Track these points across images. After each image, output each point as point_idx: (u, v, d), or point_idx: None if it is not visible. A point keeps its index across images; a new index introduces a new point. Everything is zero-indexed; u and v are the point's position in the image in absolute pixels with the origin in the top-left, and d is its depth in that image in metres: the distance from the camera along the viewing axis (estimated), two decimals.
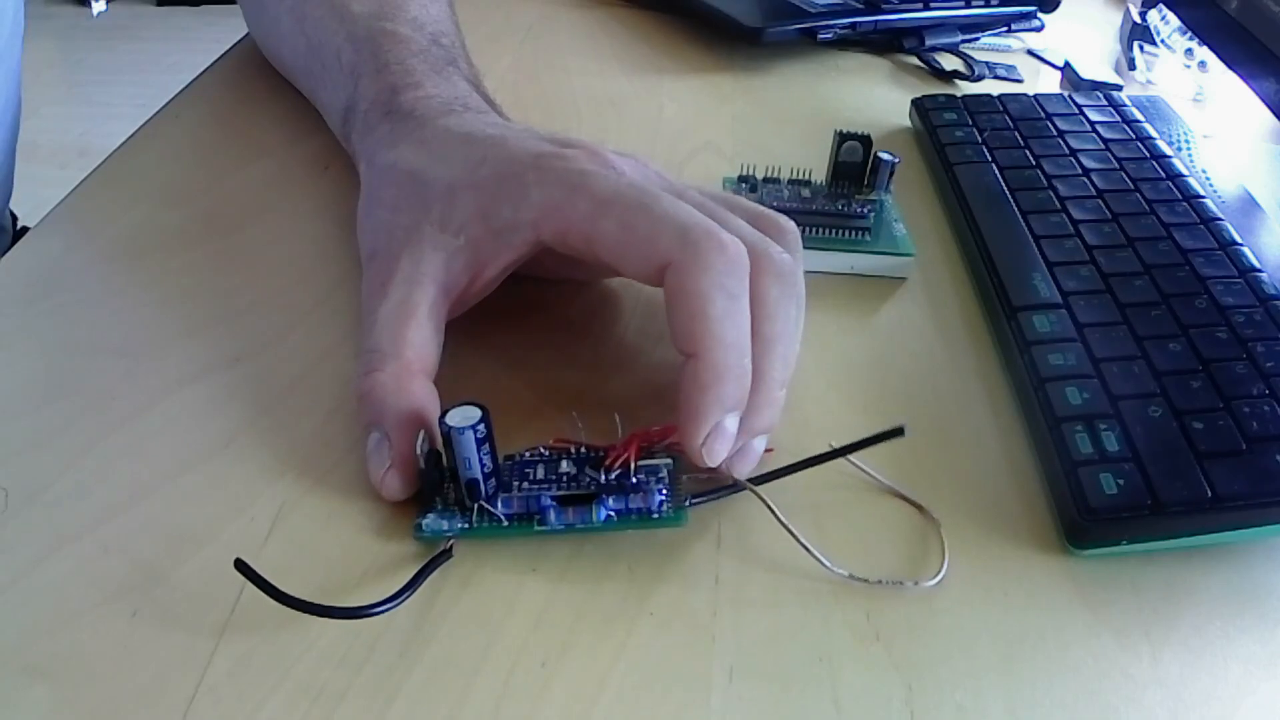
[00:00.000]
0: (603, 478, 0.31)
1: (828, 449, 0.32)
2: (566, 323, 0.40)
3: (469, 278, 0.34)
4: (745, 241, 0.32)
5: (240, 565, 0.28)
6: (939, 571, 0.31)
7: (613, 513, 0.31)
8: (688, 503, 0.31)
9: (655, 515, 0.31)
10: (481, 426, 0.29)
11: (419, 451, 0.30)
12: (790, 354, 0.33)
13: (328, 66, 0.45)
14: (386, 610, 0.28)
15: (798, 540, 0.30)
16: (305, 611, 0.27)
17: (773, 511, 0.31)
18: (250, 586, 0.28)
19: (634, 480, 0.31)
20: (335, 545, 0.31)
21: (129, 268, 0.41)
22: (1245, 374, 0.36)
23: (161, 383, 0.35)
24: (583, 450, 0.32)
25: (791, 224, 0.35)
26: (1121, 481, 0.32)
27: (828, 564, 0.30)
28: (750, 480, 0.32)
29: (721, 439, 0.30)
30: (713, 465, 0.31)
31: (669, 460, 0.32)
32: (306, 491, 0.32)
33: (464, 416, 0.29)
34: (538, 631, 0.29)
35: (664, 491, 0.31)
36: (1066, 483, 0.33)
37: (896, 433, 0.31)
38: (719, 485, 0.32)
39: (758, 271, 0.32)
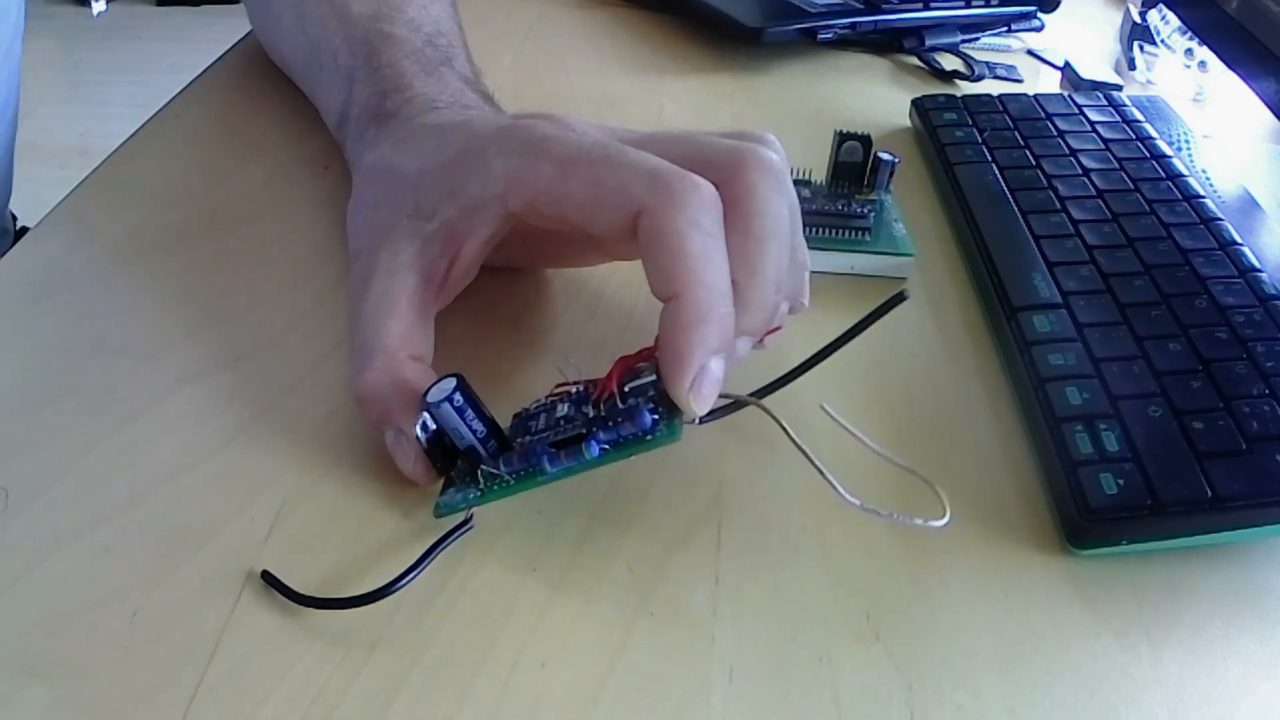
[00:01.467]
0: (592, 411, 0.30)
1: (841, 333, 0.31)
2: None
3: (447, 260, 0.34)
4: (727, 146, 0.31)
5: (267, 577, 0.28)
6: (944, 515, 0.29)
7: (605, 445, 0.30)
8: (682, 419, 0.30)
9: (649, 437, 0.29)
10: (457, 395, 0.29)
11: (420, 436, 0.30)
12: (784, 254, 0.31)
13: (325, 67, 0.45)
14: (405, 584, 0.28)
15: (811, 460, 0.29)
16: (332, 608, 0.28)
17: (783, 428, 0.30)
18: (250, 586, 0.28)
19: (622, 406, 0.30)
20: (336, 544, 0.31)
21: (129, 268, 0.41)
22: (1245, 374, 0.36)
23: (161, 383, 0.35)
24: (581, 389, 0.31)
25: (771, 136, 0.34)
26: (1121, 481, 0.32)
27: (841, 490, 0.29)
28: (752, 394, 0.30)
29: (708, 383, 0.29)
30: (700, 413, 0.29)
31: (655, 378, 0.30)
32: (307, 491, 0.32)
33: (439, 390, 0.29)
34: (538, 631, 0.29)
35: (654, 409, 0.30)
36: (1066, 483, 0.33)
37: (899, 299, 0.29)
38: (721, 401, 0.30)
39: (742, 169, 0.31)
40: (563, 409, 0.31)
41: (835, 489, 0.29)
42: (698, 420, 0.30)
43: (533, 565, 0.30)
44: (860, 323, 0.30)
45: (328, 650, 0.28)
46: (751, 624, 0.29)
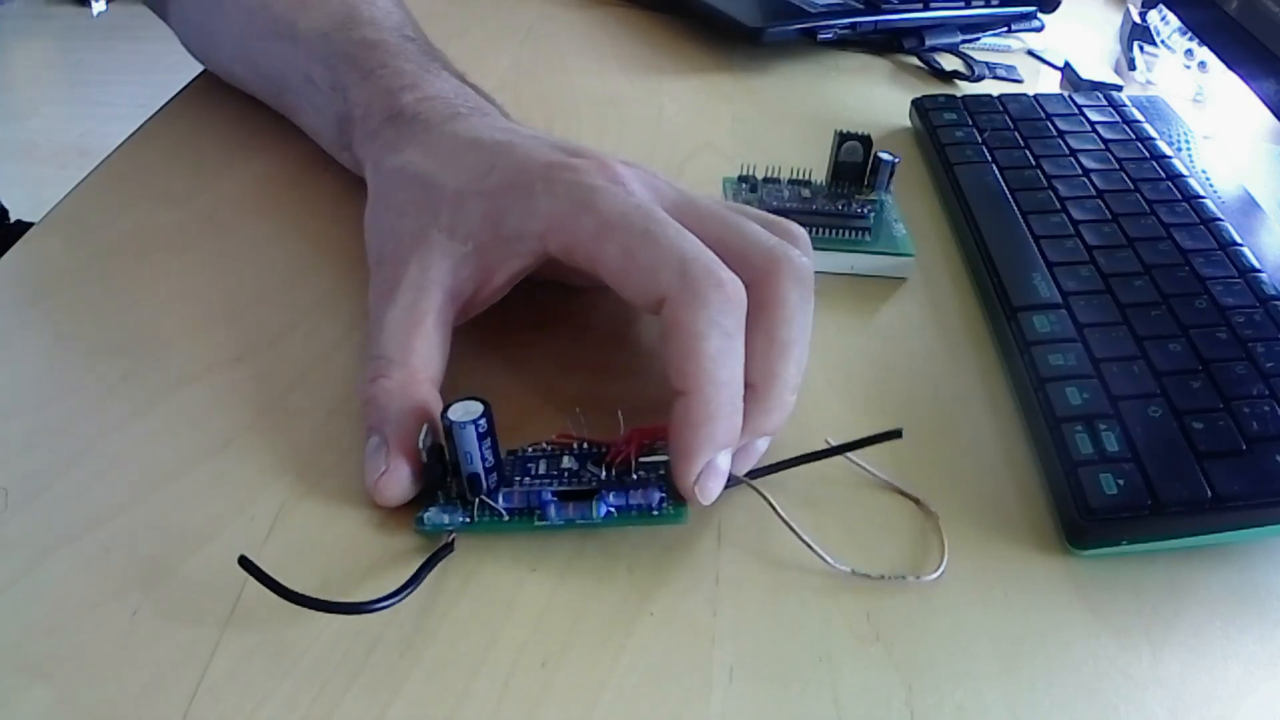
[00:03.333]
0: (603, 474, 0.31)
1: (826, 445, 0.32)
2: (572, 325, 0.40)
3: (476, 284, 0.34)
4: (764, 246, 0.32)
5: (244, 562, 0.28)
6: (939, 566, 0.31)
7: (613, 509, 0.31)
8: (688, 502, 0.31)
9: (655, 512, 0.31)
10: (483, 421, 0.29)
11: (421, 445, 0.30)
12: (804, 359, 0.33)
13: (299, 91, 0.44)
14: (390, 605, 0.28)
15: (799, 536, 0.31)
16: (309, 607, 0.27)
17: (773, 508, 0.31)
18: (250, 586, 0.28)
19: (635, 476, 0.31)
20: (336, 544, 0.31)
21: (129, 267, 0.41)
22: (1245, 374, 0.36)
23: (161, 383, 0.35)
24: (585, 446, 0.32)
25: (802, 230, 0.35)
26: (1121, 481, 0.32)
27: (830, 560, 0.30)
28: (748, 475, 0.32)
29: (714, 477, 0.30)
30: (705, 504, 0.30)
31: (668, 458, 0.32)
32: (307, 491, 0.32)
33: (466, 411, 0.29)
34: (538, 631, 0.29)
35: (664, 488, 0.31)
36: (1066, 483, 0.33)
37: (894, 434, 0.31)
38: None
39: (778, 275, 0.32)
40: (567, 461, 0.32)
41: (824, 560, 0.31)
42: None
43: (533, 565, 0.30)
44: (853, 443, 0.32)
45: (328, 650, 0.28)
46: (751, 624, 0.29)
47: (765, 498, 0.31)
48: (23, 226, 0.75)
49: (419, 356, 0.32)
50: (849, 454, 0.33)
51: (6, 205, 0.82)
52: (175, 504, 0.31)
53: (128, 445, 0.33)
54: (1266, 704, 0.29)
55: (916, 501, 0.33)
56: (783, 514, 0.31)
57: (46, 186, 0.61)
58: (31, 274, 0.40)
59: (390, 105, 0.39)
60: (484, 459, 0.30)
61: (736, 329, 0.30)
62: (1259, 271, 0.41)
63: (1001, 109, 0.54)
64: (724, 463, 0.30)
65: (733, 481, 0.32)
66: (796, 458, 0.32)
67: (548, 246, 0.33)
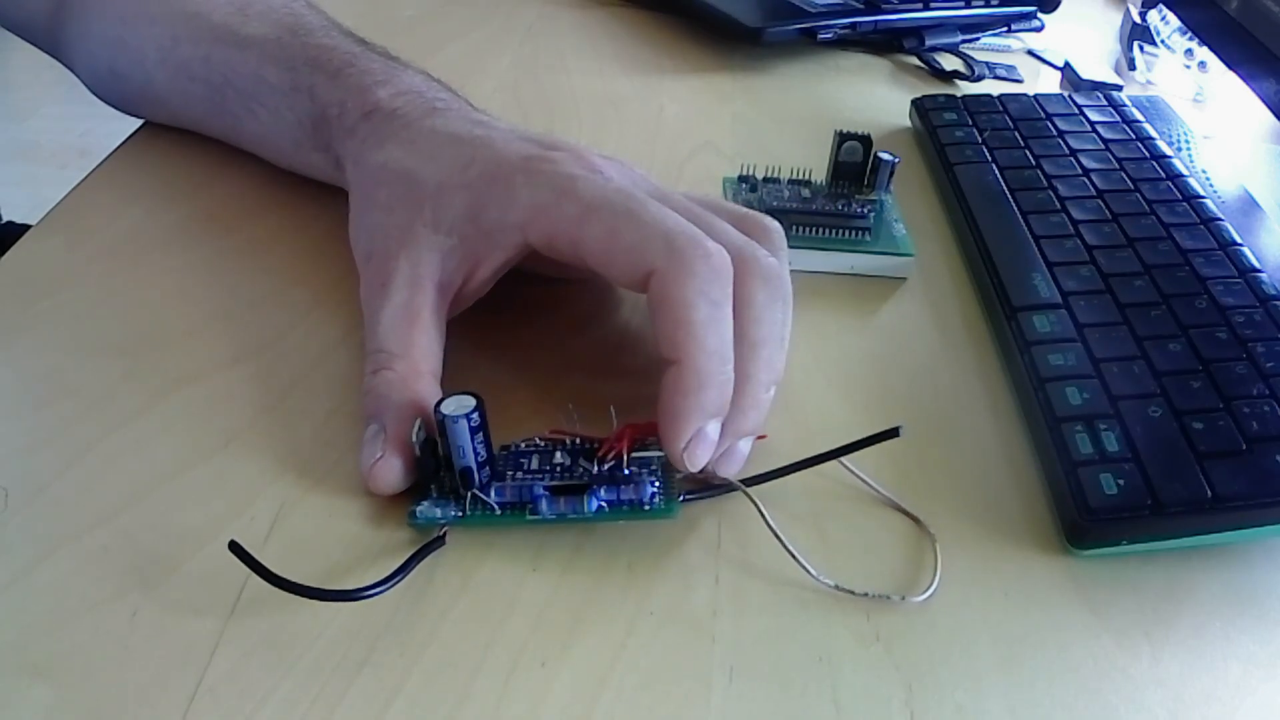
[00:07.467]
0: (595, 468, 0.31)
1: (824, 450, 0.32)
2: (567, 321, 0.40)
3: (462, 277, 0.34)
4: (731, 246, 0.32)
5: (234, 547, 0.28)
6: (929, 587, 0.31)
7: (604, 503, 0.31)
8: (680, 499, 0.31)
9: (646, 507, 0.31)
10: (475, 415, 0.29)
11: (414, 439, 0.30)
12: (777, 356, 0.33)
13: (249, 93, 0.43)
14: (376, 594, 0.28)
15: (785, 548, 0.30)
16: (298, 594, 0.28)
17: (763, 516, 0.31)
18: (251, 585, 0.28)
19: (626, 471, 0.31)
20: (336, 544, 0.30)
21: (129, 267, 0.41)
22: (1245, 374, 0.36)
23: (161, 383, 0.35)
24: (577, 441, 0.32)
25: (775, 224, 0.35)
26: (1121, 482, 0.32)
27: (814, 573, 0.30)
28: (743, 481, 0.32)
29: (703, 445, 0.31)
30: (694, 470, 0.31)
31: (661, 453, 0.32)
32: (307, 491, 0.32)
33: (458, 405, 0.30)
34: (538, 631, 0.29)
35: (656, 483, 0.31)
36: (1066, 483, 0.33)
37: (892, 433, 0.31)
38: (712, 484, 0.32)
39: (744, 275, 0.32)
40: (559, 456, 0.32)
41: (809, 573, 0.30)
42: (682, 498, 0.31)
43: (533, 565, 0.30)
44: (852, 445, 0.32)
45: (328, 650, 0.28)
46: (751, 624, 0.29)
47: (757, 506, 0.31)
48: (14, 227, 0.74)
49: (419, 350, 0.33)
50: (849, 465, 0.33)
51: (3, 205, 0.82)
52: (175, 504, 0.31)
53: (128, 445, 0.33)
54: (1266, 704, 0.29)
55: (916, 520, 0.33)
56: (772, 523, 0.31)
57: (46, 186, 0.61)
58: (31, 274, 0.40)
59: (365, 102, 0.39)
60: (476, 453, 0.30)
61: (723, 298, 0.31)
62: (1259, 271, 0.41)
63: (1001, 109, 0.54)
64: (713, 431, 0.31)
65: (729, 488, 0.32)
66: (794, 464, 0.32)
67: (528, 236, 0.33)
